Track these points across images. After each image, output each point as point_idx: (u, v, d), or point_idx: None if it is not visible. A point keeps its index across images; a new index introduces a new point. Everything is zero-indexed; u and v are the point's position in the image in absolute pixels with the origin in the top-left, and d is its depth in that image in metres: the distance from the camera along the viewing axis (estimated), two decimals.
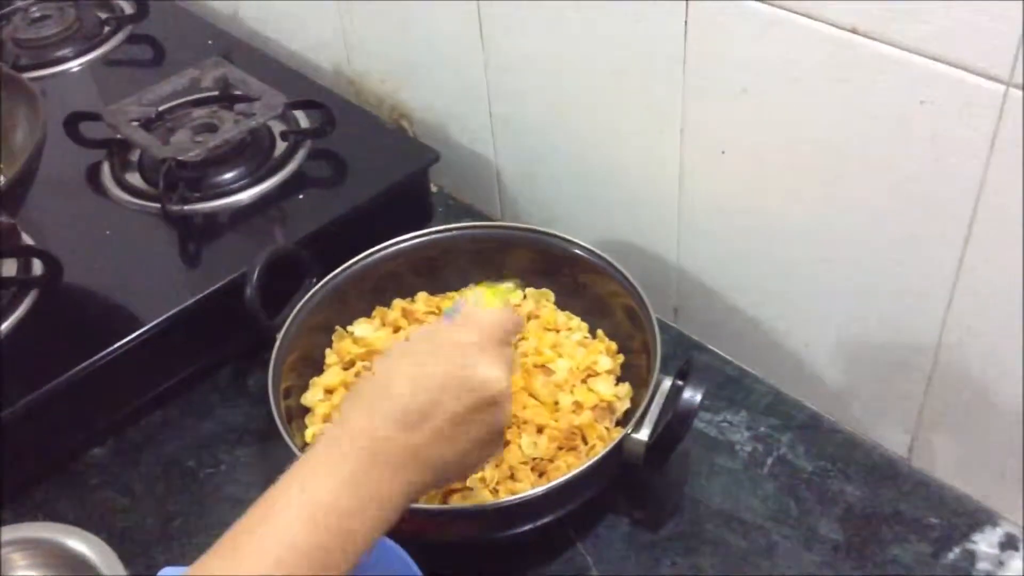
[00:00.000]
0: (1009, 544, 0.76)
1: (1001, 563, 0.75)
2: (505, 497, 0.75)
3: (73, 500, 0.84)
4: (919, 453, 0.81)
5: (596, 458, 0.73)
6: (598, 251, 0.87)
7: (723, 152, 0.79)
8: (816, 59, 0.68)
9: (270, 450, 0.88)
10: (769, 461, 0.83)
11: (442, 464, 0.59)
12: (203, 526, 0.82)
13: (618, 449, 0.74)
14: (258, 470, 0.86)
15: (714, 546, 0.78)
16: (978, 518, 0.78)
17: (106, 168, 1.03)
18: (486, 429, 0.61)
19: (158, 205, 0.97)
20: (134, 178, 1.02)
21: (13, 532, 0.73)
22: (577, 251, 0.88)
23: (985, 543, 0.76)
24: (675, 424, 0.72)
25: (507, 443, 0.79)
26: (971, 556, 0.76)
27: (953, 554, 0.76)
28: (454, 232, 0.92)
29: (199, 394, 0.92)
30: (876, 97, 0.66)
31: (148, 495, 0.85)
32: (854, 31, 0.65)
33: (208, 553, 0.53)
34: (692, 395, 0.71)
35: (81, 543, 0.73)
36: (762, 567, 0.76)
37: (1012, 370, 0.70)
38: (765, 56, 0.71)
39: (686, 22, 0.75)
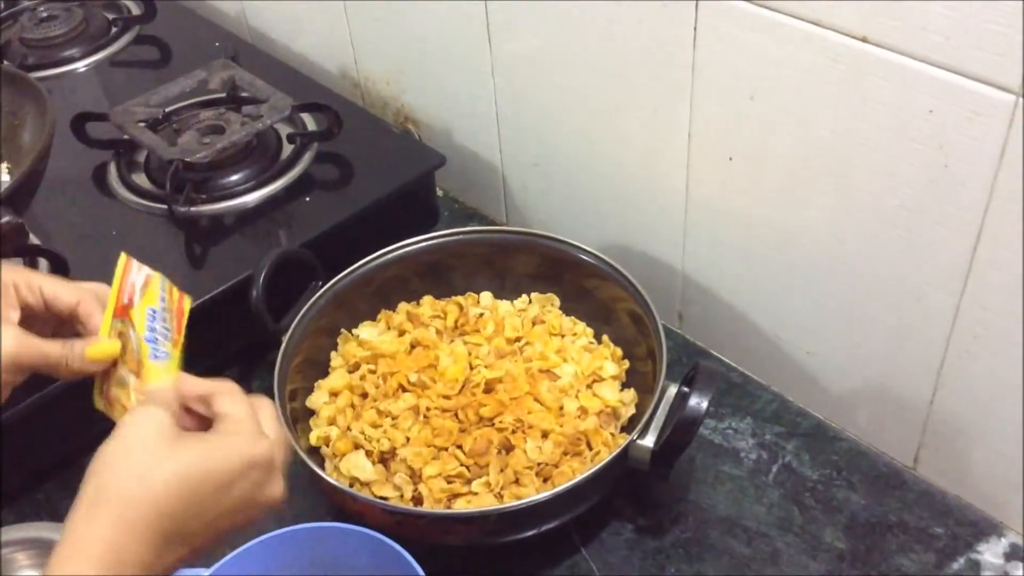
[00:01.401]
0: (1014, 555, 0.76)
1: (1006, 574, 0.75)
2: (510, 502, 0.74)
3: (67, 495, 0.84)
4: (924, 462, 0.81)
5: (601, 464, 0.73)
6: (604, 256, 0.87)
7: (731, 158, 0.79)
8: (826, 67, 0.68)
9: None
10: (774, 469, 0.83)
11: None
12: None
13: (623, 455, 0.74)
14: None
15: (718, 553, 0.78)
16: (983, 528, 0.78)
17: (113, 169, 1.03)
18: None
19: (164, 206, 0.97)
20: (140, 179, 1.02)
21: (16, 532, 0.73)
22: (582, 256, 0.88)
23: (990, 553, 0.76)
24: (681, 431, 0.72)
25: (513, 448, 0.78)
26: (976, 566, 0.76)
27: (958, 564, 0.76)
28: (459, 236, 0.92)
29: None
30: (885, 105, 0.66)
31: None
32: (864, 40, 0.65)
33: None
34: (698, 402, 0.71)
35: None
36: (766, 575, 0.76)
37: (1017, 379, 0.70)
38: (774, 63, 0.71)
39: (695, 28, 0.75)
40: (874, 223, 0.72)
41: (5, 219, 0.71)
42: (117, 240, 0.96)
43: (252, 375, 0.93)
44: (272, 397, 0.78)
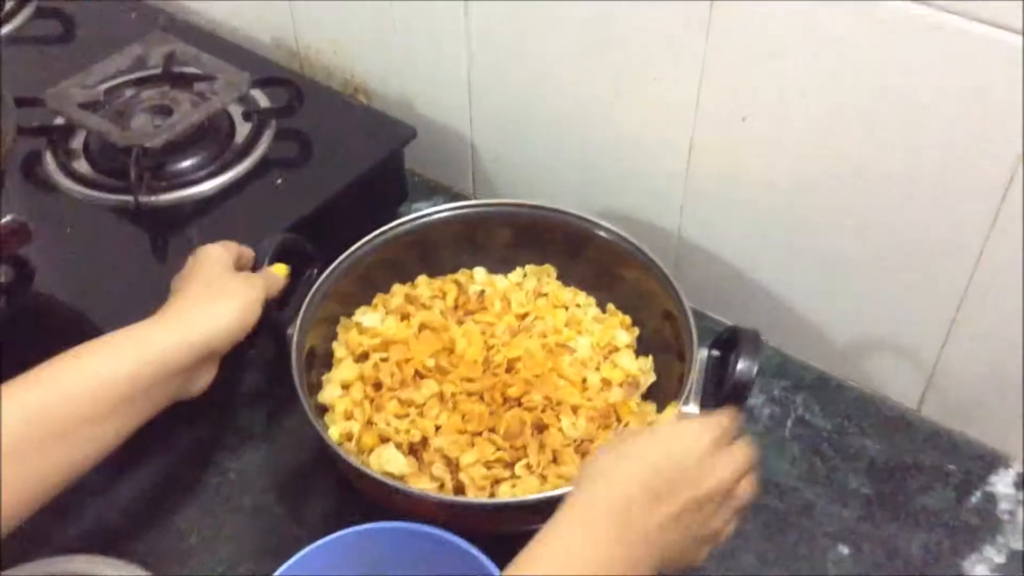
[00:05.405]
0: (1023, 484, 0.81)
1: (1020, 501, 0.79)
2: (555, 481, 0.73)
3: (68, 526, 0.77)
4: (929, 404, 0.85)
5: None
6: (601, 221, 0.85)
7: (744, 119, 0.79)
8: (860, 25, 0.68)
9: (277, 453, 0.83)
10: (789, 423, 0.85)
11: (667, 550, 0.58)
12: (222, 539, 0.77)
13: None
14: (270, 475, 0.81)
15: (755, 510, 0.78)
16: (991, 461, 0.82)
17: (48, 157, 0.93)
18: (704, 528, 0.60)
19: (113, 196, 0.89)
20: (82, 166, 0.93)
21: (39, 569, 0.66)
22: (600, 232, 0.85)
23: (1002, 484, 0.81)
24: (732, 397, 0.72)
25: (546, 427, 0.77)
26: (992, 498, 0.80)
27: (975, 497, 0.80)
28: (446, 213, 0.88)
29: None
30: (922, 61, 0.67)
31: (152, 511, 0.78)
32: None
33: None
34: (748, 366, 0.71)
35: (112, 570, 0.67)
36: (805, 527, 0.78)
37: None
38: (802, 22, 0.71)
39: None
40: (901, 179, 0.73)
41: (9, 218, 0.63)
42: (73, 237, 0.87)
43: (240, 374, 0.88)
44: (295, 394, 0.74)
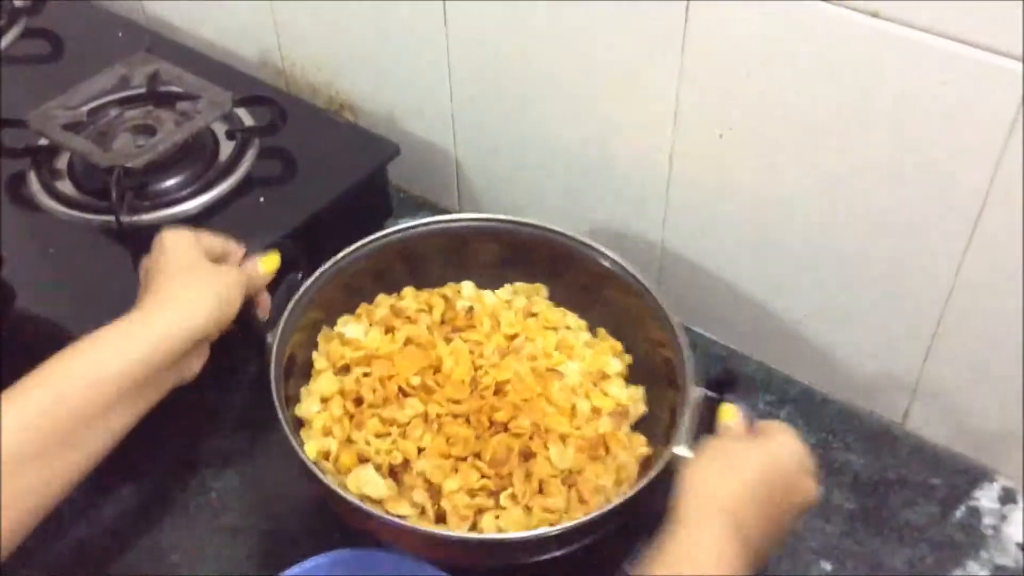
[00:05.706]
0: (1008, 498, 0.80)
1: (1004, 516, 0.79)
2: (539, 513, 0.72)
3: (50, 546, 0.77)
4: (914, 417, 0.84)
5: (654, 474, 0.69)
6: (591, 242, 0.84)
7: (721, 135, 0.79)
8: (835, 43, 0.68)
9: (260, 472, 0.83)
10: None
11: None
12: (204, 558, 0.77)
13: (668, 470, 0.69)
14: (252, 493, 0.81)
15: None
16: (975, 476, 0.82)
17: (33, 178, 0.93)
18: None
19: (97, 216, 0.89)
20: (66, 187, 0.93)
21: None
22: (588, 250, 0.84)
23: (986, 499, 0.80)
24: None
25: (534, 455, 0.75)
26: (976, 512, 0.79)
27: (960, 512, 0.79)
28: (431, 226, 0.87)
29: (172, 417, 0.86)
30: (897, 78, 0.67)
31: (134, 532, 0.78)
32: (875, 15, 0.66)
33: None
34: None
35: None
36: (788, 542, 0.77)
37: (1016, 330, 0.73)
38: (779, 40, 0.71)
39: (687, 5, 0.74)
40: (882, 194, 0.73)
41: None
42: (56, 258, 0.87)
43: (222, 393, 0.87)
44: (272, 409, 0.73)
